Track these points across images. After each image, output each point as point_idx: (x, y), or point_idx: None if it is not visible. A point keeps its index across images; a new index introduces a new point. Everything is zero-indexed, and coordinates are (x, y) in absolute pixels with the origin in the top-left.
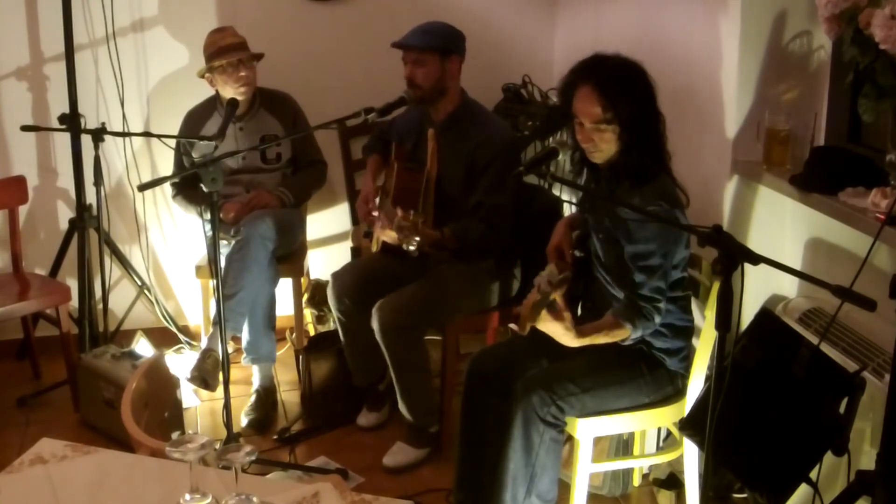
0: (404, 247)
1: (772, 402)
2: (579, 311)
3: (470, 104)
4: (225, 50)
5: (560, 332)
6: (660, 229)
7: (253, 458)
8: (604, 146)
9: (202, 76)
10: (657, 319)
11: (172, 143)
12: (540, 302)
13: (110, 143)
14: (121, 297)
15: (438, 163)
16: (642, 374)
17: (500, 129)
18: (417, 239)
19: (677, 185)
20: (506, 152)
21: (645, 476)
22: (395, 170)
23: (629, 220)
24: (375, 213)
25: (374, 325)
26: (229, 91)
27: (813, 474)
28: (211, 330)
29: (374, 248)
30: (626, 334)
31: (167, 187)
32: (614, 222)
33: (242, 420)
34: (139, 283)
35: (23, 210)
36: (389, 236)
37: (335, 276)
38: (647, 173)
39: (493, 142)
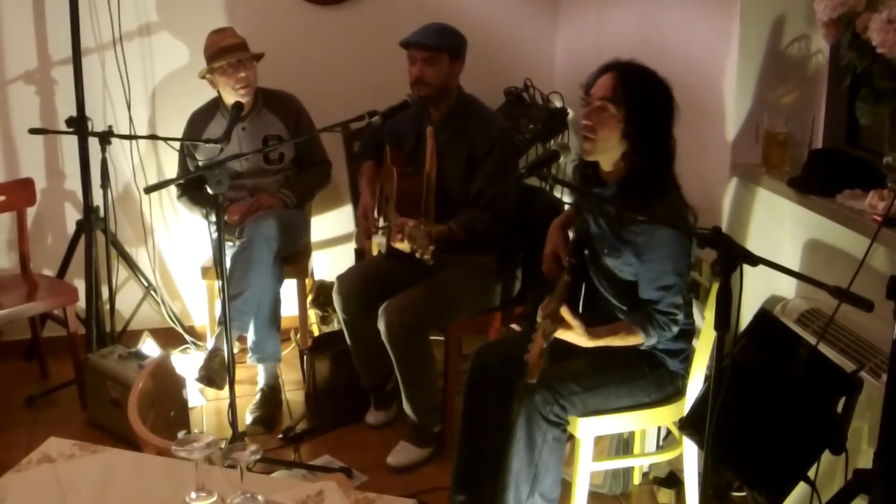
0: (418, 255)
1: (770, 402)
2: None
3: (465, 98)
4: (225, 51)
5: (573, 337)
6: (669, 248)
7: (258, 456)
8: (602, 133)
9: (203, 77)
10: (674, 330)
11: (178, 145)
12: (546, 349)
13: (117, 146)
14: (127, 298)
15: (438, 161)
16: (643, 374)
17: (495, 118)
18: (432, 248)
19: (687, 206)
20: (503, 140)
21: (645, 475)
22: (395, 176)
23: (637, 242)
24: (374, 228)
25: (381, 326)
26: (229, 92)
27: (811, 473)
28: (217, 330)
29: (376, 251)
30: (639, 341)
31: (173, 189)
32: (621, 240)
33: (247, 418)
34: (145, 285)
35: (31, 212)
36: (403, 247)
37: (340, 279)
38: (653, 191)
39: (490, 131)
